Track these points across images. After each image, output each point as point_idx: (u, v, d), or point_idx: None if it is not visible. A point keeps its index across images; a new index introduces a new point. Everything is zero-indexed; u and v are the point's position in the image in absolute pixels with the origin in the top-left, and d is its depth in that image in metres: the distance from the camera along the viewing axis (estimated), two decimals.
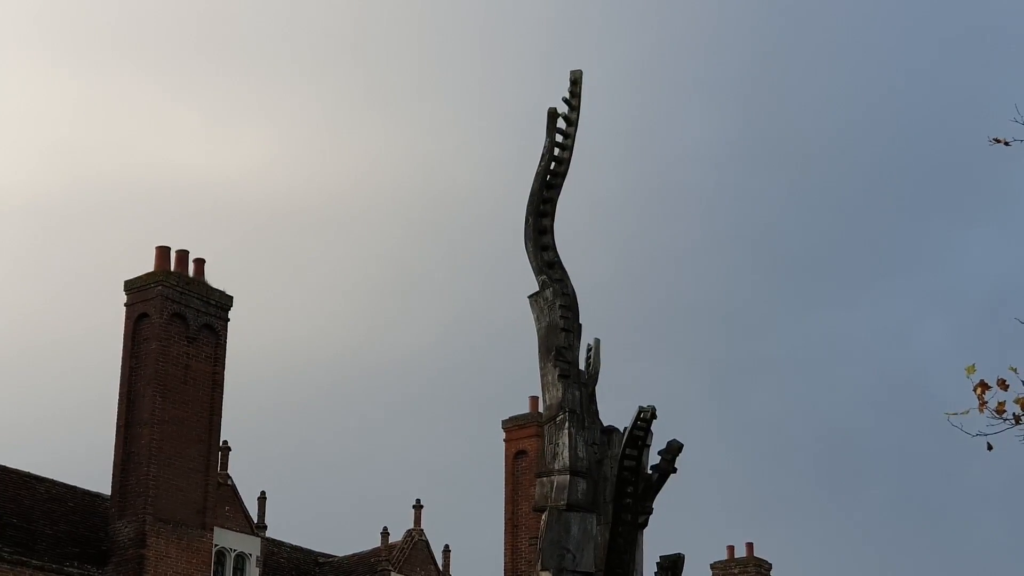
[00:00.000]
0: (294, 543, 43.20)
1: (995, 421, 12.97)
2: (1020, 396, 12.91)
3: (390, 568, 41.28)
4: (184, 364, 36.90)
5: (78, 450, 67.94)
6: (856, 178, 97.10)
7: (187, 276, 37.62)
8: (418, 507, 43.00)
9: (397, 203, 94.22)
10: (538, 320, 16.29)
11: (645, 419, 15.67)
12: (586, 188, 71.37)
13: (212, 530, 36.86)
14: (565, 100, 16.60)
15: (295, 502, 72.36)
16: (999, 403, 12.94)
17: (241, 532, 38.48)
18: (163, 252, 37.60)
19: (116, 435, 36.46)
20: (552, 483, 15.67)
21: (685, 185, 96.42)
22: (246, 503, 38.99)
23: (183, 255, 37.90)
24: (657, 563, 16.37)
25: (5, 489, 35.97)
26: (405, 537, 42.63)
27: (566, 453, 15.67)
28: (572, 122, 16.57)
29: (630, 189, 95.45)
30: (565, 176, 16.58)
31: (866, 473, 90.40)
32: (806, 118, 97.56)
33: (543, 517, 15.62)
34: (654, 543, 16.22)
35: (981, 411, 12.97)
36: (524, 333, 16.71)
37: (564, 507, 15.52)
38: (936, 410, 12.81)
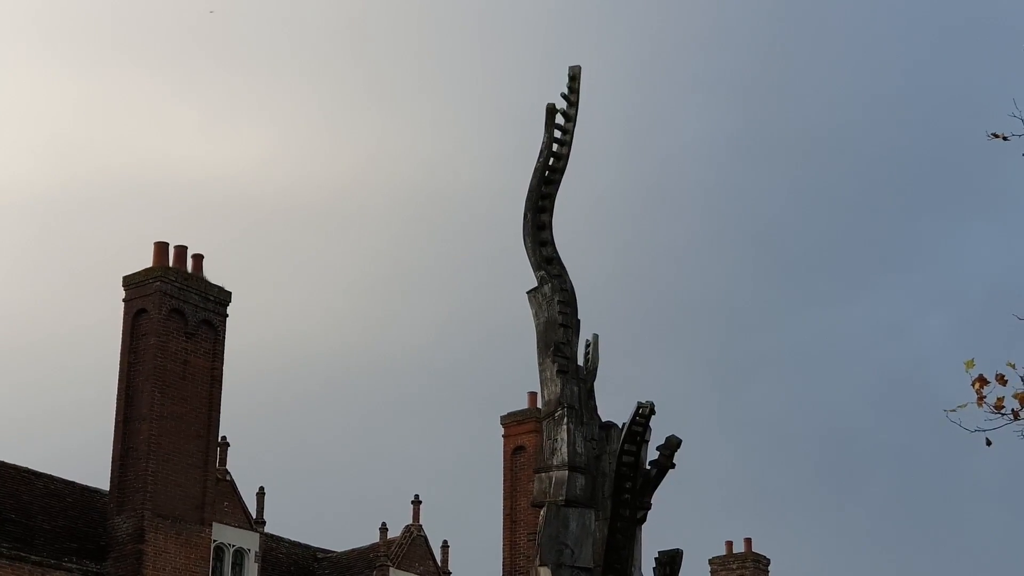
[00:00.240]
0: (293, 538, 43.23)
1: (993, 416, 12.99)
2: (1018, 391, 12.92)
3: (389, 564, 41.29)
4: (183, 360, 36.91)
5: (76, 446, 67.93)
6: (856, 174, 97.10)
7: (186, 272, 37.61)
8: (417, 503, 43.00)
9: (396, 199, 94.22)
10: (536, 316, 16.30)
11: (644, 415, 15.68)
12: (586, 184, 71.34)
13: (211, 525, 36.88)
14: (564, 96, 16.59)
15: (294, 498, 72.44)
16: (998, 398, 12.95)
17: (240, 527, 38.49)
18: (161, 248, 37.60)
19: (115, 431, 36.47)
20: (551, 479, 15.68)
21: (685, 181, 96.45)
22: (245, 498, 39.00)
23: (182, 251, 37.89)
24: (655, 558, 16.39)
25: (3, 485, 35.97)
26: (404, 533, 42.63)
27: (564, 449, 15.68)
28: (571, 118, 16.56)
29: (630, 185, 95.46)
30: (564, 172, 16.58)
31: (865, 468, 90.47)
32: (806, 114, 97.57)
33: (542, 513, 15.63)
34: (652, 538, 16.25)
35: (980, 406, 12.99)
36: (523, 329, 16.71)
37: (563, 503, 15.54)
38: (935, 406, 12.83)
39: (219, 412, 37.47)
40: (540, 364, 16.11)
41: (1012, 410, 12.96)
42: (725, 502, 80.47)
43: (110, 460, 36.37)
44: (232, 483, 38.52)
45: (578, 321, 16.39)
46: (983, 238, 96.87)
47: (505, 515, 47.30)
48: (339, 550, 43.76)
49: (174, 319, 36.84)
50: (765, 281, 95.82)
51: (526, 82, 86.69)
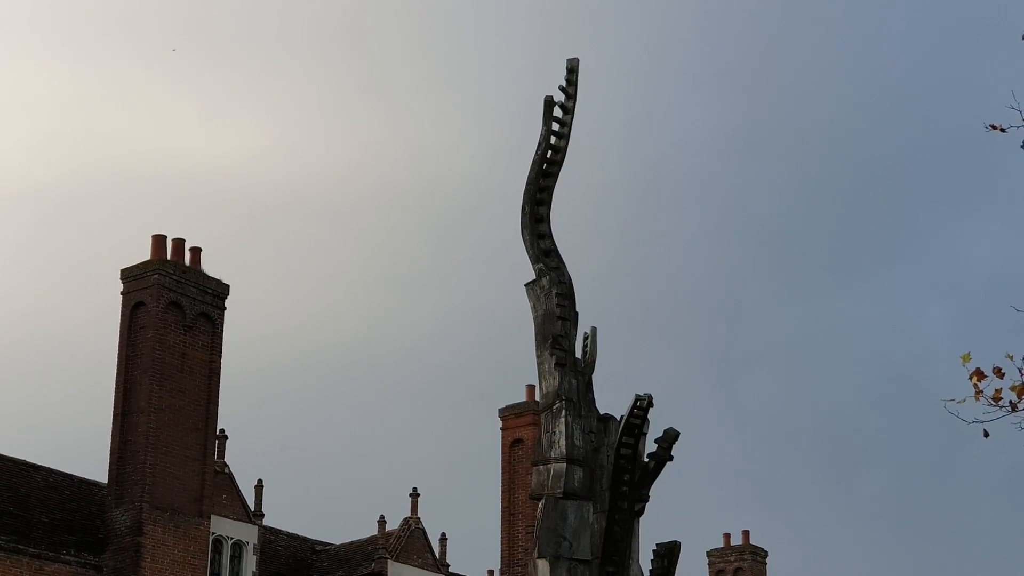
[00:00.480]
0: (291, 531, 43.24)
1: (991, 408, 12.98)
2: (1016, 383, 12.92)
3: (387, 556, 41.30)
4: (181, 352, 36.90)
5: (75, 438, 67.99)
6: (856, 167, 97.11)
7: (183, 265, 37.59)
8: (415, 495, 43.01)
9: (394, 192, 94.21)
10: (535, 308, 16.28)
11: (642, 407, 15.67)
12: (585, 177, 71.37)
13: (209, 518, 36.88)
14: (561, 88, 16.56)
15: (292, 490, 72.44)
16: (996, 390, 12.94)
17: (238, 520, 38.50)
18: (159, 240, 37.59)
19: (113, 423, 36.47)
20: (549, 471, 15.67)
21: (684, 174, 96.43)
22: (243, 491, 39.01)
23: (179, 243, 37.87)
24: (653, 551, 16.38)
25: (1, 477, 35.97)
26: (402, 525, 42.64)
27: (563, 441, 15.68)
28: (568, 110, 16.52)
29: (629, 178, 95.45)
30: (562, 164, 16.55)
31: (863, 461, 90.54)
32: (804, 107, 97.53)
33: (540, 505, 15.62)
34: (650, 531, 16.25)
35: (977, 399, 12.98)
36: (521, 322, 16.68)
37: (561, 495, 15.53)
38: (934, 398, 12.82)
39: (217, 405, 37.47)
40: (538, 357, 16.09)
41: (1010, 402, 12.95)
42: (723, 494, 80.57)
43: (108, 453, 36.37)
44: (230, 476, 38.53)
45: (576, 314, 16.36)
46: (982, 230, 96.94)
47: (503, 508, 47.32)
48: (337, 543, 43.78)
49: (172, 312, 36.83)
50: (764, 274, 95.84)
51: (524, 75, 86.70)
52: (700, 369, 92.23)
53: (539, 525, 15.50)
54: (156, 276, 36.71)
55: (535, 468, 15.94)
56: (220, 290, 38.06)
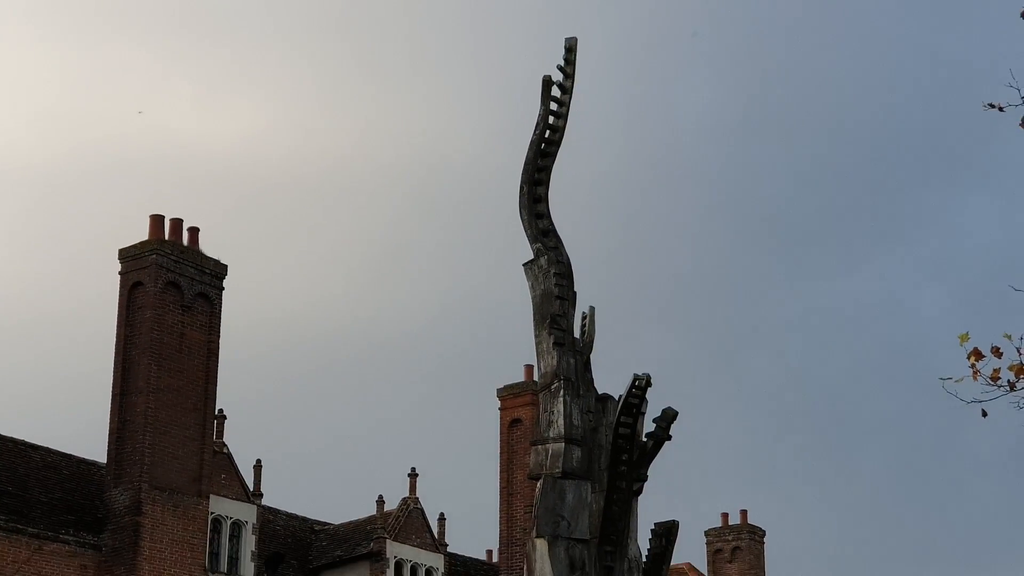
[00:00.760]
0: (290, 511, 43.30)
1: (990, 388, 12.97)
2: (1014, 363, 12.91)
3: (385, 536, 41.36)
4: (179, 333, 36.90)
5: (73, 418, 68.01)
6: (855, 148, 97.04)
7: (181, 245, 37.57)
8: (413, 475, 43.06)
9: (391, 173, 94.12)
10: (533, 288, 16.26)
11: (640, 387, 15.66)
12: (586, 160, 71.29)
13: (208, 498, 36.92)
14: (560, 68, 16.51)
15: (291, 470, 72.57)
16: (994, 370, 12.94)
17: (237, 500, 38.54)
18: (157, 221, 37.56)
19: (111, 403, 36.48)
20: (547, 451, 15.68)
21: (684, 156, 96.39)
22: (242, 471, 39.04)
23: (177, 223, 37.84)
24: (652, 530, 16.40)
25: (0, 457, 35.99)
26: (400, 505, 42.69)
27: (561, 421, 15.68)
28: (567, 90, 16.47)
29: (630, 160, 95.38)
30: (560, 144, 16.51)
31: (861, 440, 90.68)
32: (804, 89, 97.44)
33: (538, 485, 15.62)
34: (649, 510, 16.27)
35: (975, 379, 12.98)
36: (519, 302, 16.67)
37: (559, 475, 15.53)
38: (933, 378, 12.82)
39: (216, 385, 37.48)
40: (536, 336, 16.08)
41: (1008, 381, 12.95)
42: (721, 474, 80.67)
43: (107, 433, 36.38)
44: (229, 455, 38.56)
45: (575, 293, 16.35)
46: (980, 210, 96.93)
47: (501, 487, 47.39)
48: (336, 522, 43.83)
49: (170, 292, 36.81)
50: (764, 254, 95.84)
51: (522, 57, 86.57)
52: (699, 349, 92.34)
53: (537, 505, 15.51)
54: (154, 256, 36.69)
55: (533, 448, 15.94)
56: (218, 270, 38.04)
